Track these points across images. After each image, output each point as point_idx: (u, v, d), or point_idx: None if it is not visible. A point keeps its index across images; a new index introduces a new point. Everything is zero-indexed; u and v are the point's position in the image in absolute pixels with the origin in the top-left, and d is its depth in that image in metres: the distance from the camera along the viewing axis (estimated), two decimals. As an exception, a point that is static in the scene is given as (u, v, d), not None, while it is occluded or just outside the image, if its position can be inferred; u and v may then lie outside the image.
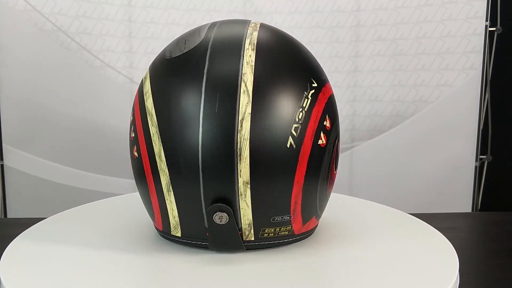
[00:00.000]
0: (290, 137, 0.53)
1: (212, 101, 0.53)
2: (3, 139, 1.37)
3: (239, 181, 0.53)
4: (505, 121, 1.49)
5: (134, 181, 0.61)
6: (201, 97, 0.53)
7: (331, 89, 0.60)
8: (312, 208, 0.58)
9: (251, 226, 0.55)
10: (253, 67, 0.54)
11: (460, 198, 1.46)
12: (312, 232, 0.62)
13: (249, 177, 0.53)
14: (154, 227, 0.62)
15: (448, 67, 1.42)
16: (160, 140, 0.54)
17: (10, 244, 0.60)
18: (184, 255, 0.57)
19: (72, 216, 0.71)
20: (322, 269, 0.57)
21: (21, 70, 1.36)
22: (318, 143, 0.55)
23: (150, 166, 0.56)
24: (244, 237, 0.56)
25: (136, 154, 0.57)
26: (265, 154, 0.53)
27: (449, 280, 0.52)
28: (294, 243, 0.59)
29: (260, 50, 0.55)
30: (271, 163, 0.53)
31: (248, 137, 0.52)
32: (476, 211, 1.47)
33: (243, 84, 0.53)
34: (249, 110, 0.53)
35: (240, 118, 0.52)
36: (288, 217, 0.56)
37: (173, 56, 0.57)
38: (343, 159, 1.32)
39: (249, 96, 0.53)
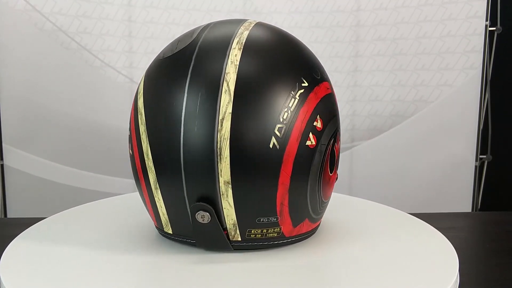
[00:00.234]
0: (273, 137, 0.52)
1: (194, 101, 0.53)
2: (3, 139, 1.37)
3: (220, 181, 0.53)
4: (505, 121, 1.49)
5: (134, 180, 0.61)
6: (184, 96, 0.54)
7: (328, 88, 0.58)
8: (303, 210, 0.57)
9: (236, 226, 0.55)
10: (237, 67, 0.53)
11: (460, 198, 1.46)
12: (308, 235, 0.61)
13: (230, 177, 0.53)
14: (154, 225, 0.63)
15: (448, 67, 1.42)
16: (147, 138, 0.55)
17: (10, 244, 0.60)
18: (184, 255, 0.57)
19: (72, 216, 0.71)
20: (321, 269, 0.57)
21: (21, 70, 1.36)
22: (306, 144, 0.54)
23: (140, 163, 0.57)
24: (230, 237, 0.56)
25: (130, 151, 0.59)
26: (246, 154, 0.52)
27: (449, 280, 0.52)
28: (293, 244, 0.59)
29: (248, 49, 0.55)
30: (253, 163, 0.53)
31: (228, 137, 0.52)
32: (476, 211, 1.47)
33: (225, 84, 0.53)
34: (229, 109, 0.52)
35: (220, 118, 0.52)
36: (275, 219, 0.55)
37: (165, 57, 0.58)
38: (343, 159, 1.32)
39: (230, 96, 0.52)
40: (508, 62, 1.47)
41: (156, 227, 0.61)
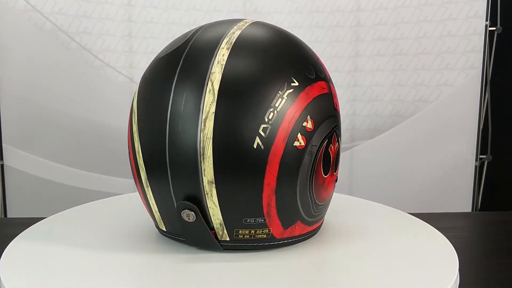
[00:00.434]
0: (257, 137, 0.52)
1: (180, 100, 0.53)
2: (3, 139, 1.37)
3: (203, 180, 0.53)
4: (505, 121, 1.49)
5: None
6: (170, 96, 0.54)
7: (324, 88, 0.57)
8: (293, 212, 0.56)
9: (223, 226, 0.55)
10: (223, 66, 0.53)
11: (460, 198, 1.46)
12: (304, 238, 0.60)
13: (213, 177, 0.53)
14: (154, 224, 0.63)
15: (448, 66, 1.42)
16: (138, 137, 0.56)
17: (10, 244, 0.60)
18: (181, 254, 0.57)
19: (72, 216, 0.71)
20: (320, 269, 0.57)
21: (21, 70, 1.36)
22: (294, 145, 0.53)
23: (134, 161, 0.58)
24: (218, 236, 0.56)
25: (128, 149, 0.60)
26: (229, 153, 0.52)
27: (449, 280, 0.52)
28: (288, 246, 0.59)
29: (237, 49, 0.55)
30: (236, 163, 0.52)
31: (211, 136, 0.52)
32: (476, 210, 1.47)
33: (209, 83, 0.53)
34: (213, 109, 0.52)
35: (203, 117, 0.52)
36: (263, 220, 0.55)
37: (159, 57, 0.59)
38: (343, 159, 1.32)
39: (214, 95, 0.52)
40: (508, 62, 1.47)
41: (154, 224, 0.62)
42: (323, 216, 0.62)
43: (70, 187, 1.41)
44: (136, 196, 0.63)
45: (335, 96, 0.60)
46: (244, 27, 0.58)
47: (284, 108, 0.53)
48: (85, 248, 0.59)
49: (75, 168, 1.42)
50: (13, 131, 1.38)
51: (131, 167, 0.59)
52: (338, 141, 0.60)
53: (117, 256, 0.57)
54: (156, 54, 0.61)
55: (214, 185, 0.53)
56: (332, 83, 0.61)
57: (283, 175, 0.53)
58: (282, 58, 0.56)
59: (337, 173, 0.61)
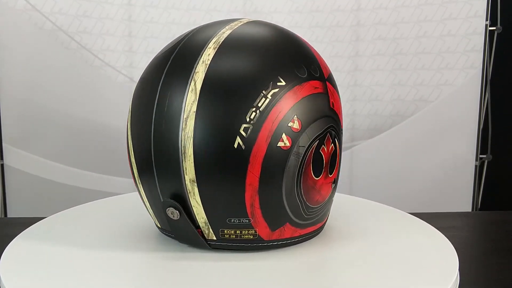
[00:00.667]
0: (238, 137, 0.51)
1: (164, 100, 0.54)
2: (3, 139, 1.38)
3: (186, 179, 0.53)
4: (505, 121, 1.49)
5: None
6: (156, 95, 0.55)
7: (317, 88, 0.56)
8: (281, 215, 0.55)
9: (208, 225, 0.55)
10: (207, 66, 0.53)
11: (460, 198, 1.46)
12: (297, 241, 0.59)
13: (195, 175, 0.53)
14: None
15: (448, 66, 1.42)
16: (131, 135, 0.58)
17: (10, 244, 0.60)
18: (185, 254, 0.57)
19: (72, 216, 0.71)
20: (320, 269, 0.57)
21: (21, 70, 1.36)
22: (278, 145, 0.53)
23: (129, 159, 0.59)
24: (205, 235, 0.56)
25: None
26: (210, 153, 0.52)
27: (449, 279, 0.52)
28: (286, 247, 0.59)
29: (224, 48, 0.55)
30: (217, 163, 0.52)
31: (192, 136, 0.52)
32: (476, 210, 1.47)
33: (192, 83, 0.53)
34: (194, 108, 0.52)
35: (185, 117, 0.53)
36: (248, 221, 0.54)
37: (155, 57, 0.60)
38: (343, 158, 1.32)
39: (196, 95, 0.53)
40: (508, 62, 1.47)
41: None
42: (321, 220, 0.61)
43: (70, 187, 1.41)
44: (136, 196, 0.63)
45: (333, 96, 0.58)
46: (236, 27, 0.58)
47: (268, 107, 0.52)
48: (85, 248, 0.59)
49: (75, 168, 1.42)
50: (13, 131, 1.38)
51: (129, 165, 0.60)
52: (334, 142, 0.58)
53: (117, 256, 0.57)
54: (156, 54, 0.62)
55: (196, 184, 0.53)
56: (332, 83, 0.59)
57: (266, 176, 0.53)
58: (270, 57, 0.55)
59: (334, 175, 0.59)
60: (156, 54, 0.60)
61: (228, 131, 0.52)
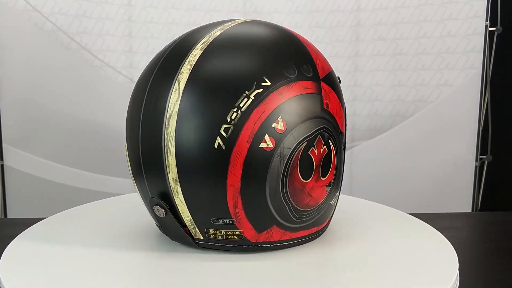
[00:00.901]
0: (218, 137, 0.51)
1: (151, 100, 0.55)
2: (3, 139, 1.38)
3: (169, 178, 0.54)
4: (505, 121, 1.49)
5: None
6: (145, 95, 0.56)
7: (308, 88, 0.55)
8: (266, 217, 0.55)
9: (193, 224, 0.56)
10: (192, 66, 0.54)
11: (460, 198, 1.46)
12: (287, 244, 0.58)
13: (177, 175, 0.53)
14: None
15: (448, 66, 1.42)
16: (125, 134, 0.59)
17: (10, 244, 0.60)
18: (185, 254, 0.57)
19: (72, 216, 0.71)
20: (320, 269, 0.57)
21: (21, 70, 1.36)
22: (260, 146, 0.52)
23: (126, 158, 0.60)
24: (193, 234, 0.57)
25: None
26: (191, 153, 0.52)
27: (449, 279, 0.52)
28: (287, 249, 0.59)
29: (211, 49, 0.55)
30: (198, 163, 0.52)
31: (174, 135, 0.53)
32: (476, 211, 1.47)
33: (176, 83, 0.54)
34: (176, 108, 0.53)
35: (168, 116, 0.53)
36: (231, 221, 0.54)
37: (152, 58, 0.60)
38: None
39: (179, 95, 0.53)
40: (508, 62, 1.47)
41: None
42: (316, 224, 0.60)
43: (70, 187, 1.41)
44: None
45: (328, 97, 0.57)
46: (229, 27, 0.58)
47: (250, 108, 0.52)
48: (85, 248, 0.59)
49: (75, 168, 1.42)
50: (13, 131, 1.38)
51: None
52: (328, 144, 0.56)
53: (117, 256, 0.57)
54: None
55: (179, 183, 0.54)
56: (330, 83, 0.58)
57: (248, 177, 0.52)
58: (257, 57, 0.55)
59: (329, 178, 0.58)
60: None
61: (209, 131, 0.52)
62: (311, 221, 0.58)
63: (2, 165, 1.38)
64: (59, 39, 1.37)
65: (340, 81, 0.63)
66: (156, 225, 0.62)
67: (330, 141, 0.56)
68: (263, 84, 0.53)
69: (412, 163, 1.47)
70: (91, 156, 1.42)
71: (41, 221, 0.69)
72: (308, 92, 0.55)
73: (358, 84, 1.47)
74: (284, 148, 0.53)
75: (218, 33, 0.56)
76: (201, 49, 0.55)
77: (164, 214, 0.56)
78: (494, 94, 1.45)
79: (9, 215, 1.40)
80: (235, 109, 0.52)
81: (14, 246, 0.60)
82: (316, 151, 0.55)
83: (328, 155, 0.57)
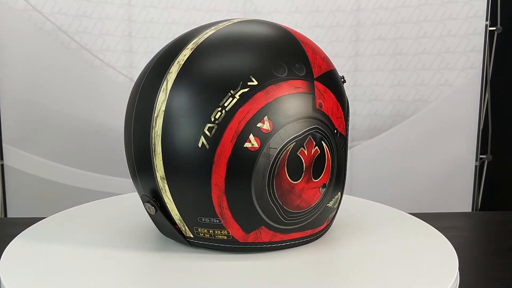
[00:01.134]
0: (202, 136, 0.52)
1: (142, 99, 0.56)
2: (3, 139, 1.38)
3: (157, 176, 0.54)
4: (505, 121, 1.49)
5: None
6: (137, 95, 0.57)
7: (300, 87, 0.54)
8: (254, 217, 0.54)
9: (183, 222, 0.56)
10: (181, 66, 0.54)
11: (460, 198, 1.46)
12: (278, 246, 0.57)
13: (164, 173, 0.54)
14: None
15: (448, 66, 1.42)
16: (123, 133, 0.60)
17: (10, 244, 0.60)
18: (185, 254, 0.57)
19: (72, 216, 0.71)
20: (319, 269, 0.56)
21: (21, 70, 1.36)
22: (245, 146, 0.52)
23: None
24: (183, 232, 0.57)
25: None
26: (176, 151, 0.53)
27: (449, 279, 0.52)
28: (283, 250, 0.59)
29: (201, 49, 0.55)
30: (182, 161, 0.53)
31: (160, 134, 0.53)
32: (476, 210, 1.47)
33: (165, 83, 0.54)
34: (163, 107, 0.53)
35: (155, 115, 0.54)
36: (218, 221, 0.54)
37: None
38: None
39: (166, 94, 0.54)
40: (508, 62, 1.47)
41: None
42: (311, 226, 0.58)
43: (70, 187, 1.41)
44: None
45: (322, 96, 0.56)
46: (222, 27, 0.58)
47: (235, 107, 0.52)
48: (85, 248, 0.59)
49: (75, 168, 1.42)
50: (13, 131, 1.38)
51: None
52: (320, 145, 0.55)
53: (117, 256, 0.57)
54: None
55: (166, 181, 0.54)
56: (326, 83, 0.56)
57: (232, 177, 0.52)
58: (245, 57, 0.54)
59: (323, 180, 0.56)
60: None
61: (193, 130, 0.52)
62: (304, 223, 0.57)
63: (2, 165, 1.38)
64: (59, 39, 1.37)
65: (344, 81, 0.62)
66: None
67: (323, 142, 0.55)
68: (249, 83, 0.52)
69: (412, 163, 1.47)
70: (91, 156, 1.42)
71: (41, 221, 0.69)
72: (299, 92, 0.54)
73: (358, 84, 1.47)
74: (270, 148, 0.52)
75: (211, 33, 0.57)
76: (191, 49, 0.55)
77: (154, 212, 0.57)
78: (494, 94, 1.45)
79: (9, 215, 1.40)
80: (220, 109, 0.52)
81: (14, 246, 0.60)
82: (306, 152, 0.54)
83: (320, 156, 0.55)
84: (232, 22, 0.59)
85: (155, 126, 0.54)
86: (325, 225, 0.61)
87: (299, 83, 0.54)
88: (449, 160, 1.45)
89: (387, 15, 1.43)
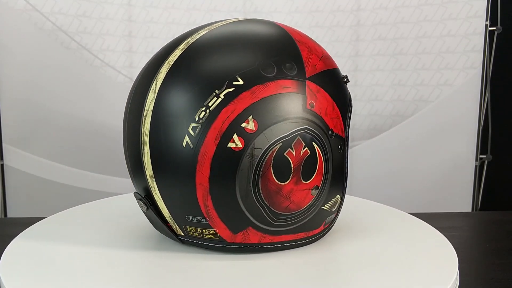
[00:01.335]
0: (186, 136, 0.52)
1: (135, 98, 0.57)
2: (3, 139, 1.37)
3: (146, 174, 0.55)
4: (505, 121, 1.49)
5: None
6: (132, 94, 0.58)
7: (288, 87, 0.53)
8: (240, 217, 0.54)
9: (173, 220, 0.57)
10: (170, 66, 0.55)
11: (460, 198, 1.46)
12: (268, 248, 0.57)
13: (152, 171, 0.54)
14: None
15: (448, 66, 1.42)
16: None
17: (10, 244, 0.60)
18: (185, 254, 0.57)
19: (72, 216, 0.71)
20: (319, 269, 0.56)
21: (21, 70, 1.36)
22: (229, 146, 0.51)
23: None
24: (174, 229, 0.58)
25: None
26: (162, 150, 0.53)
27: (448, 279, 0.52)
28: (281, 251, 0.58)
29: (192, 48, 0.55)
30: (168, 160, 0.53)
31: (148, 133, 0.54)
32: (476, 210, 1.47)
33: (154, 83, 0.55)
34: (151, 107, 0.54)
35: (144, 115, 0.54)
36: (205, 220, 0.54)
37: None
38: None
39: (154, 94, 0.54)
40: (508, 62, 1.47)
41: None
42: (305, 229, 0.58)
43: (70, 187, 1.41)
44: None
45: (314, 96, 0.54)
46: (216, 27, 0.58)
47: (219, 107, 0.51)
48: (85, 248, 0.59)
49: (75, 168, 1.42)
50: (13, 131, 1.38)
51: None
52: (311, 146, 0.54)
53: (117, 256, 0.57)
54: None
55: (154, 180, 0.55)
56: (319, 82, 0.55)
57: (216, 177, 0.52)
58: (232, 57, 0.54)
59: (314, 182, 0.55)
60: None
61: (178, 130, 0.53)
62: (296, 225, 0.57)
63: (2, 165, 1.38)
64: (59, 39, 1.37)
65: (347, 81, 0.61)
66: None
67: (314, 143, 0.54)
68: (235, 83, 0.52)
69: (412, 163, 1.47)
70: (91, 156, 1.42)
71: (41, 220, 0.69)
72: (288, 92, 0.53)
73: (358, 84, 1.47)
74: (254, 148, 0.52)
75: (203, 33, 0.57)
76: (182, 49, 0.55)
77: (146, 209, 0.58)
78: (494, 94, 1.45)
79: (9, 215, 1.40)
80: (204, 108, 0.52)
81: (14, 246, 0.60)
82: (294, 153, 0.53)
83: (311, 158, 0.54)
84: (227, 22, 0.59)
85: (144, 125, 0.54)
86: (321, 228, 0.60)
87: (288, 82, 0.53)
88: (449, 160, 1.45)
89: (387, 15, 1.43)
